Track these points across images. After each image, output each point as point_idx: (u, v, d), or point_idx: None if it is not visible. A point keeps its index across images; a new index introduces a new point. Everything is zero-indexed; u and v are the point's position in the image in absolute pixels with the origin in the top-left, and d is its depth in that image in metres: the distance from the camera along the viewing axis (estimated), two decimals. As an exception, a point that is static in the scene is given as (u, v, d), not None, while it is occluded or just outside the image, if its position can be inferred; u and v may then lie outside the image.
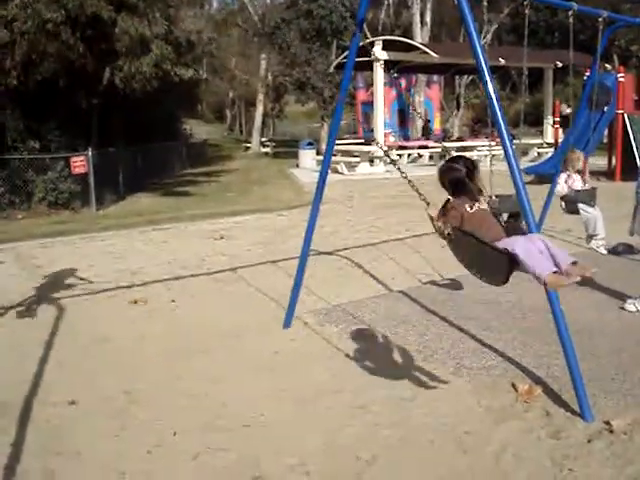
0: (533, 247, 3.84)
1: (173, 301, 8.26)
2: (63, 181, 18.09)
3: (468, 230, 4.00)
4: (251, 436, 4.71)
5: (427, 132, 34.99)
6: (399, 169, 4.68)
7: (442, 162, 4.48)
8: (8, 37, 16.48)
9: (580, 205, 8.14)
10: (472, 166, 4.25)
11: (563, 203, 8.34)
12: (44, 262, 11.07)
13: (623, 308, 7.25)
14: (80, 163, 17.66)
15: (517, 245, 3.83)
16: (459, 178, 4.23)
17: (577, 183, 8.24)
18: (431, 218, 4.12)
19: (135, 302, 8.24)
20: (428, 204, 4.19)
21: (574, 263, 3.86)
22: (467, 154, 26.22)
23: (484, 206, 4.19)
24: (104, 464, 4.36)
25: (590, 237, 8.39)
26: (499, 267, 3.98)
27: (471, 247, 4.02)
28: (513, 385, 5.33)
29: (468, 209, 4.13)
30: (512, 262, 3.87)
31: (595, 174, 18.59)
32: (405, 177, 4.59)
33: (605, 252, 8.56)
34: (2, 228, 14.97)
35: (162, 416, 5.04)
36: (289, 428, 4.83)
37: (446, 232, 4.07)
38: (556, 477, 4.03)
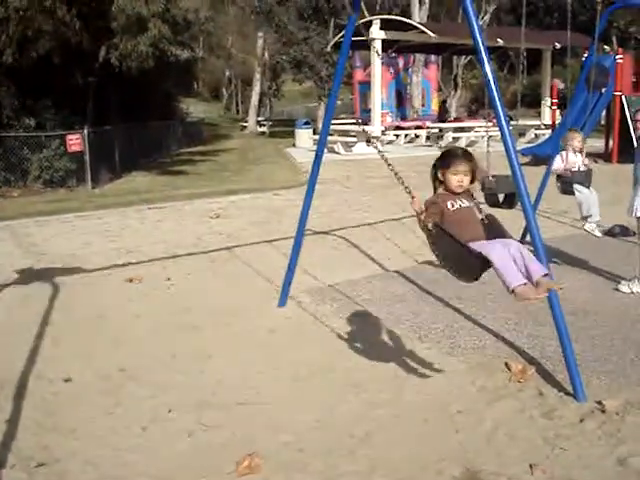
0: (507, 255, 3.86)
1: (168, 279, 8.27)
2: (59, 159, 18.01)
3: (447, 228, 3.98)
4: (246, 413, 4.73)
5: (444, 112, 35.01)
6: (386, 161, 4.56)
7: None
8: (2, 14, 16.34)
9: (575, 186, 8.12)
10: (448, 164, 4.18)
11: (558, 183, 8.32)
12: (39, 240, 11.07)
13: (617, 289, 7.27)
14: (76, 141, 17.58)
15: (493, 251, 3.86)
16: (435, 174, 4.25)
17: (573, 162, 8.20)
18: (415, 212, 4.07)
19: (130, 280, 8.24)
20: (413, 198, 4.10)
21: (545, 275, 3.90)
22: (464, 134, 25.98)
23: (467, 204, 4.15)
24: (99, 440, 4.38)
25: (584, 218, 8.39)
26: (472, 268, 4.04)
27: (448, 245, 4.01)
28: (507, 365, 5.36)
29: (449, 206, 4.09)
30: (485, 265, 3.94)
31: (592, 156, 18.51)
32: (392, 170, 4.48)
33: (600, 234, 8.56)
34: (-3, 206, 14.94)
35: (157, 393, 5.07)
36: (284, 405, 4.86)
37: (428, 226, 4.02)
38: (548, 456, 4.06)
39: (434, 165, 4.26)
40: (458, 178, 4.13)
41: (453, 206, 4.09)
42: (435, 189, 4.25)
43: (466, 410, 4.69)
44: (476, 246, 3.93)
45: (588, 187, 8.18)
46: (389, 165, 4.45)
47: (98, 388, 5.19)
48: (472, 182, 4.21)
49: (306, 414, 4.71)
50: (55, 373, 5.47)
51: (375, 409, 4.75)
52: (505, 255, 3.85)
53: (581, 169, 8.22)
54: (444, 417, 4.61)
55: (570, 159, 8.19)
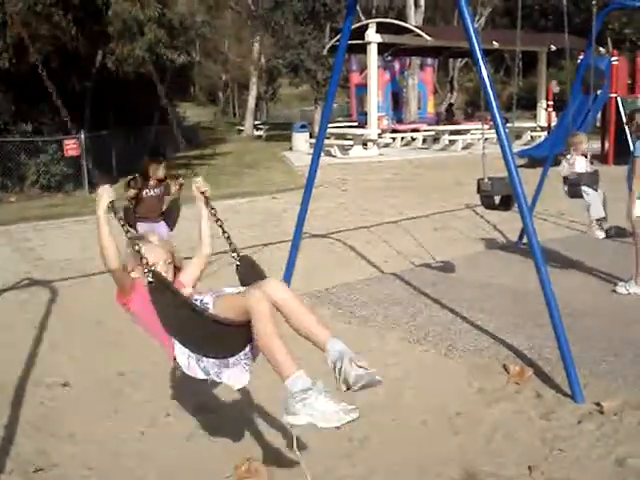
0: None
1: (166, 284, 8.24)
2: (55, 164, 18.02)
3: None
4: (244, 417, 4.73)
5: (451, 115, 35.10)
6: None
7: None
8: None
9: (583, 188, 8.09)
10: (157, 160, 5.49)
11: (566, 187, 8.29)
12: (37, 245, 11.06)
13: (615, 291, 7.28)
14: (73, 146, 17.57)
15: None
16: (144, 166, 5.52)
17: (580, 165, 8.20)
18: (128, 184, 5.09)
19: (128, 285, 8.21)
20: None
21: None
22: (460, 137, 26.02)
23: (155, 193, 5.66)
24: (97, 445, 4.38)
25: (596, 221, 8.32)
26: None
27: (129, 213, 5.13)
28: (505, 367, 5.37)
29: (143, 193, 5.42)
30: None
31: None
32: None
33: (603, 235, 8.52)
34: (-6, 211, 14.93)
35: (155, 397, 5.06)
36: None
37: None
38: (547, 458, 4.06)
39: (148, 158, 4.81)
40: None
41: (147, 193, 5.47)
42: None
43: (464, 412, 4.70)
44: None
45: (596, 189, 8.17)
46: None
47: (96, 393, 5.19)
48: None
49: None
50: (53, 378, 5.47)
51: (373, 412, 4.75)
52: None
53: (588, 171, 8.21)
54: (442, 419, 4.61)
55: (577, 162, 8.18)
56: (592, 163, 8.53)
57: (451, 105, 39.54)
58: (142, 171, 6.88)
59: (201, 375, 3.21)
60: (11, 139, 17.53)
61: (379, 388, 5.07)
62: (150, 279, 3.16)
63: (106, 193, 3.54)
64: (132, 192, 6.92)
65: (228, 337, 3.21)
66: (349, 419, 3.03)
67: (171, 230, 7.47)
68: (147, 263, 3.22)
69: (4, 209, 15.54)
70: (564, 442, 4.23)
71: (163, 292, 3.16)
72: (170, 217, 7.62)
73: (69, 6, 17.10)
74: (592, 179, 8.19)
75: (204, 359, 3.19)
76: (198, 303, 3.24)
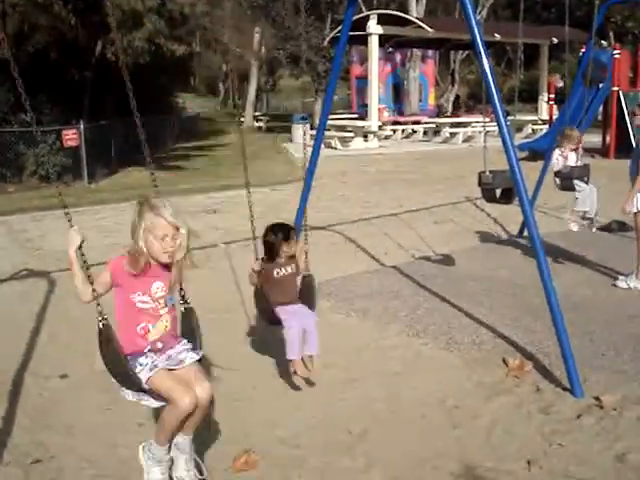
0: (297, 329, 4.81)
1: (165, 275, 8.22)
2: (54, 154, 17.96)
3: (266, 290, 4.87)
4: (242, 409, 4.72)
5: (458, 106, 35.03)
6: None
7: None
8: (-1, 9, 16.30)
9: (575, 181, 8.10)
10: (287, 235, 4.96)
11: (557, 179, 8.31)
12: (35, 236, 11.04)
13: (615, 285, 7.28)
14: (72, 136, 17.53)
15: (289, 321, 4.82)
16: (272, 245, 4.94)
17: (571, 159, 8.22)
18: (252, 270, 4.85)
19: (127, 276, 8.20)
20: (257, 259, 4.89)
21: (310, 357, 4.92)
22: (461, 130, 26.03)
23: (290, 271, 4.99)
24: (95, 437, 4.37)
25: (579, 214, 8.35)
26: (272, 322, 5.00)
27: (261, 301, 4.95)
28: (504, 360, 5.36)
29: (275, 274, 4.92)
30: (279, 323, 4.89)
31: (589, 151, 18.55)
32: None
33: (576, 229, 8.49)
34: (-7, 201, 14.89)
35: (153, 390, 5.04)
36: (280, 402, 4.85)
37: (255, 285, 4.88)
38: (546, 452, 4.05)
39: (271, 236, 4.98)
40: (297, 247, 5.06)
41: (278, 274, 4.94)
42: (268, 257, 4.97)
43: (463, 406, 4.69)
44: (282, 312, 4.86)
45: (587, 182, 8.17)
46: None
47: (94, 384, 5.16)
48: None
49: (303, 410, 4.70)
50: (51, 369, 5.46)
51: (372, 405, 4.75)
52: (295, 328, 4.81)
53: (579, 164, 8.22)
54: (441, 413, 4.60)
55: (568, 155, 8.18)
56: (592, 156, 8.53)
57: (458, 97, 39.55)
58: (267, 251, 5.11)
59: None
60: (9, 129, 17.46)
61: (376, 381, 5.07)
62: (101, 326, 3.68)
63: (77, 236, 3.78)
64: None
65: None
66: None
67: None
68: (100, 312, 3.63)
69: (2, 199, 15.49)
70: (563, 436, 4.22)
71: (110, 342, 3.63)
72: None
73: (69, -4, 17.04)
74: (583, 172, 8.21)
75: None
76: (136, 370, 3.51)
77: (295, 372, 4.92)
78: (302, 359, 4.88)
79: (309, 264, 5.22)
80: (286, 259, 4.98)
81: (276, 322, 4.94)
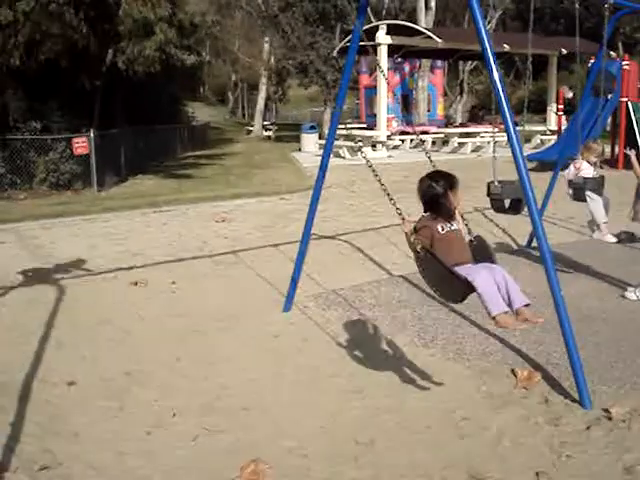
0: (492, 282, 4.01)
1: (173, 283, 8.26)
2: (65, 162, 18.04)
3: (436, 252, 4.11)
4: (250, 418, 4.72)
5: (477, 117, 35.07)
6: (380, 181, 4.76)
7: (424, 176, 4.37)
8: (11, 17, 16.37)
9: (587, 193, 8.06)
10: (451, 185, 4.23)
11: (570, 190, 8.26)
12: (45, 243, 11.08)
13: (624, 296, 7.24)
14: (82, 144, 17.60)
15: (478, 277, 4.01)
16: (436, 196, 4.23)
17: (586, 171, 8.18)
18: (405, 233, 4.20)
19: (135, 284, 8.23)
20: (403, 220, 4.25)
21: (527, 305, 4.06)
22: (470, 140, 26.01)
23: (456, 227, 4.27)
24: (103, 444, 4.37)
25: (597, 226, 8.31)
26: (457, 291, 4.20)
27: (435, 268, 4.14)
28: (512, 371, 5.34)
29: (440, 229, 4.19)
30: (469, 289, 4.08)
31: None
32: (384, 190, 4.59)
33: (613, 240, 8.48)
34: (3, 209, 14.94)
35: (161, 397, 5.05)
36: (287, 411, 4.84)
37: (417, 248, 4.14)
38: (554, 464, 4.03)
39: (433, 187, 4.24)
40: (459, 199, 4.26)
41: (443, 229, 4.20)
42: (430, 212, 4.27)
43: (471, 417, 4.67)
44: (462, 270, 4.07)
45: (601, 194, 8.14)
46: (382, 185, 4.62)
47: (102, 392, 5.18)
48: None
49: (310, 420, 4.69)
50: (59, 376, 5.46)
51: (379, 415, 4.73)
52: (489, 282, 4.00)
53: (594, 176, 8.19)
54: (449, 424, 4.59)
55: (584, 167, 8.15)
56: (601, 167, 8.50)
57: (474, 107, 39.69)
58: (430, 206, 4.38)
59: None
60: (20, 137, 17.55)
61: (383, 391, 5.06)
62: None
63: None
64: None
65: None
66: None
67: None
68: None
69: (13, 207, 15.56)
70: (572, 448, 4.19)
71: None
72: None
73: (80, 4, 17.11)
74: (597, 184, 8.17)
75: None
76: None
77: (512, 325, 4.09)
78: (520, 314, 4.06)
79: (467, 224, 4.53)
80: (448, 214, 4.24)
81: (457, 291, 4.19)
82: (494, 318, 3.99)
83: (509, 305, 4.00)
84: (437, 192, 4.21)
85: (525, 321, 4.05)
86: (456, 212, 4.30)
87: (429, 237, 4.15)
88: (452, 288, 4.18)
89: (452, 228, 4.22)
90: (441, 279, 4.18)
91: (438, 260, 4.07)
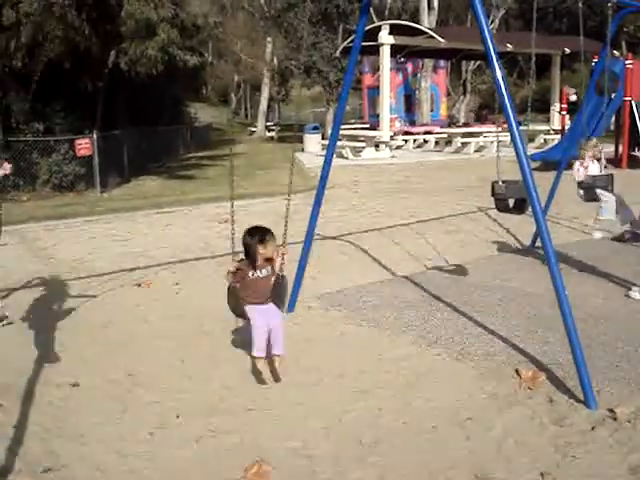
0: (264, 329, 5.19)
1: (177, 284, 8.26)
2: (67, 163, 18.07)
3: (241, 290, 5.26)
4: (254, 419, 4.71)
5: (480, 115, 35.10)
6: None
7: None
8: (14, 18, 16.39)
9: (598, 190, 8.03)
10: (262, 238, 5.29)
11: (581, 191, 8.22)
12: (48, 244, 11.08)
13: (628, 296, 7.22)
14: (84, 145, 17.62)
15: (256, 320, 5.21)
16: (247, 246, 5.29)
17: (593, 169, 8.16)
18: (227, 271, 5.27)
19: (138, 285, 8.23)
20: (236, 260, 5.31)
21: (278, 355, 5.32)
22: (473, 140, 26.06)
23: (265, 273, 5.30)
24: (106, 446, 4.36)
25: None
26: (242, 315, 5.41)
27: (235, 300, 5.32)
28: (517, 371, 5.32)
29: (250, 275, 5.26)
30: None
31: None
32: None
33: (600, 236, 8.44)
34: (6, 210, 14.85)
35: (165, 399, 5.04)
36: (292, 412, 4.83)
37: (229, 284, 5.26)
38: (559, 464, 4.02)
39: (249, 239, 5.34)
40: (270, 251, 5.31)
41: (253, 275, 5.26)
42: (246, 258, 5.32)
43: (476, 417, 4.65)
44: (251, 310, 5.25)
45: (611, 191, 8.11)
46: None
47: (106, 393, 5.17)
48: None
49: (315, 420, 4.68)
50: (63, 378, 5.46)
51: (384, 416, 4.72)
52: (261, 325, 5.18)
53: (602, 173, 8.16)
54: (454, 424, 4.57)
55: (590, 166, 8.13)
56: (606, 167, 8.47)
57: (481, 106, 39.77)
58: (246, 252, 5.44)
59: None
60: (23, 138, 17.57)
61: (388, 392, 5.05)
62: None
63: None
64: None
65: None
66: None
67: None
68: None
69: (16, 208, 15.56)
70: (577, 448, 4.18)
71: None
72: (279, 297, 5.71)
73: (83, 5, 17.14)
74: (606, 181, 8.14)
75: None
76: None
77: (259, 371, 5.24)
78: (271, 359, 5.33)
79: (285, 266, 5.60)
80: (262, 261, 5.28)
81: (243, 317, 5.43)
82: (252, 356, 5.26)
83: (267, 352, 5.25)
84: (249, 243, 5.29)
85: (271, 369, 5.29)
86: (272, 260, 5.35)
87: (241, 278, 5.23)
88: (243, 316, 5.39)
89: (259, 275, 5.27)
90: (235, 308, 5.38)
91: (237, 296, 5.26)
